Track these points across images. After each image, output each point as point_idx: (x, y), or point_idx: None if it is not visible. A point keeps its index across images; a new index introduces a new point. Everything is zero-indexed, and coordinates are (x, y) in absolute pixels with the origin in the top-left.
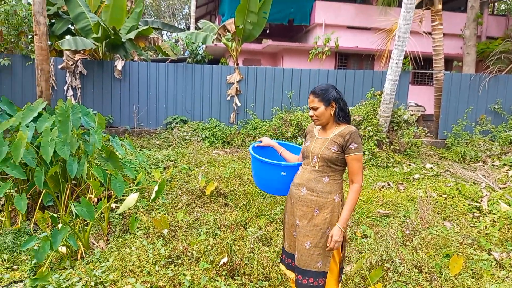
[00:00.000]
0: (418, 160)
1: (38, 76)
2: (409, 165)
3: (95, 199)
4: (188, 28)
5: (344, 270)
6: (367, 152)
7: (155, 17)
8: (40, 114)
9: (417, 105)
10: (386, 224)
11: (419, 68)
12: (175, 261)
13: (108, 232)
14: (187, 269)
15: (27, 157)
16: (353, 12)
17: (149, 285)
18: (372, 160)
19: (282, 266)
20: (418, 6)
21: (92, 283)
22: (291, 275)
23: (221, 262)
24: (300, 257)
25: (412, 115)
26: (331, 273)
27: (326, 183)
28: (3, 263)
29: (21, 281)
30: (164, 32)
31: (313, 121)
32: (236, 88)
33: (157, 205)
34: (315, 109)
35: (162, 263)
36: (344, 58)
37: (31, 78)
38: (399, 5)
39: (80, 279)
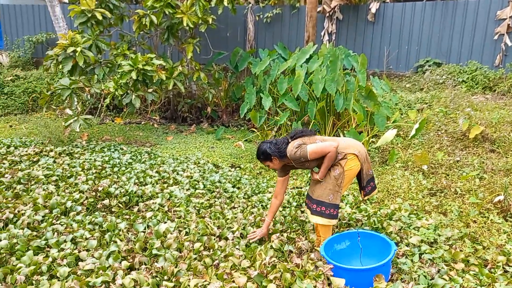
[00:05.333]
0: None
1: (307, 23)
2: None
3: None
4: None
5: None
6: None
7: None
8: (310, 56)
9: None
10: None
11: None
12: (437, 193)
13: None
14: (453, 202)
15: (301, 92)
16: None
17: (415, 207)
18: None
19: None
20: None
21: (360, 198)
22: None
23: (496, 199)
24: None
25: None
26: None
27: None
28: None
29: (301, 187)
30: None
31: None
32: (508, 24)
33: (413, 143)
34: (268, 166)
35: (425, 192)
36: None
37: (296, 25)
38: None
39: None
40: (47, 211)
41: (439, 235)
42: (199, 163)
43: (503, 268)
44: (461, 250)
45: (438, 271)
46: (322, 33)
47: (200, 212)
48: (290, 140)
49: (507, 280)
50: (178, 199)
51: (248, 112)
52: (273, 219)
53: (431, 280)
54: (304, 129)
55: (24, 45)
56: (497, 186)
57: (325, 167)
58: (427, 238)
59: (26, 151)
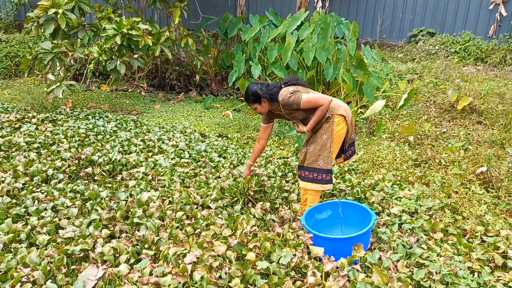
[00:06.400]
0: None
1: None
2: None
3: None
4: None
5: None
6: None
7: None
8: (302, 23)
9: None
10: None
11: None
12: (422, 164)
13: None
14: (436, 172)
15: (290, 61)
16: None
17: (399, 178)
18: None
19: None
20: None
21: (346, 168)
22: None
23: (478, 171)
24: None
25: None
26: None
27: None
28: (274, 143)
29: (287, 158)
30: None
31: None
32: None
33: (401, 114)
34: (255, 109)
35: (409, 163)
36: None
37: None
38: None
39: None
40: (27, 178)
41: (420, 206)
42: (185, 132)
43: (481, 238)
44: (440, 220)
45: (417, 241)
46: (316, 0)
47: (185, 181)
48: (283, 86)
49: (484, 249)
50: (162, 168)
51: (237, 81)
52: (255, 162)
53: (409, 249)
54: (299, 77)
55: (5, 6)
56: (481, 158)
57: (314, 120)
58: (408, 208)
59: (8, 118)
